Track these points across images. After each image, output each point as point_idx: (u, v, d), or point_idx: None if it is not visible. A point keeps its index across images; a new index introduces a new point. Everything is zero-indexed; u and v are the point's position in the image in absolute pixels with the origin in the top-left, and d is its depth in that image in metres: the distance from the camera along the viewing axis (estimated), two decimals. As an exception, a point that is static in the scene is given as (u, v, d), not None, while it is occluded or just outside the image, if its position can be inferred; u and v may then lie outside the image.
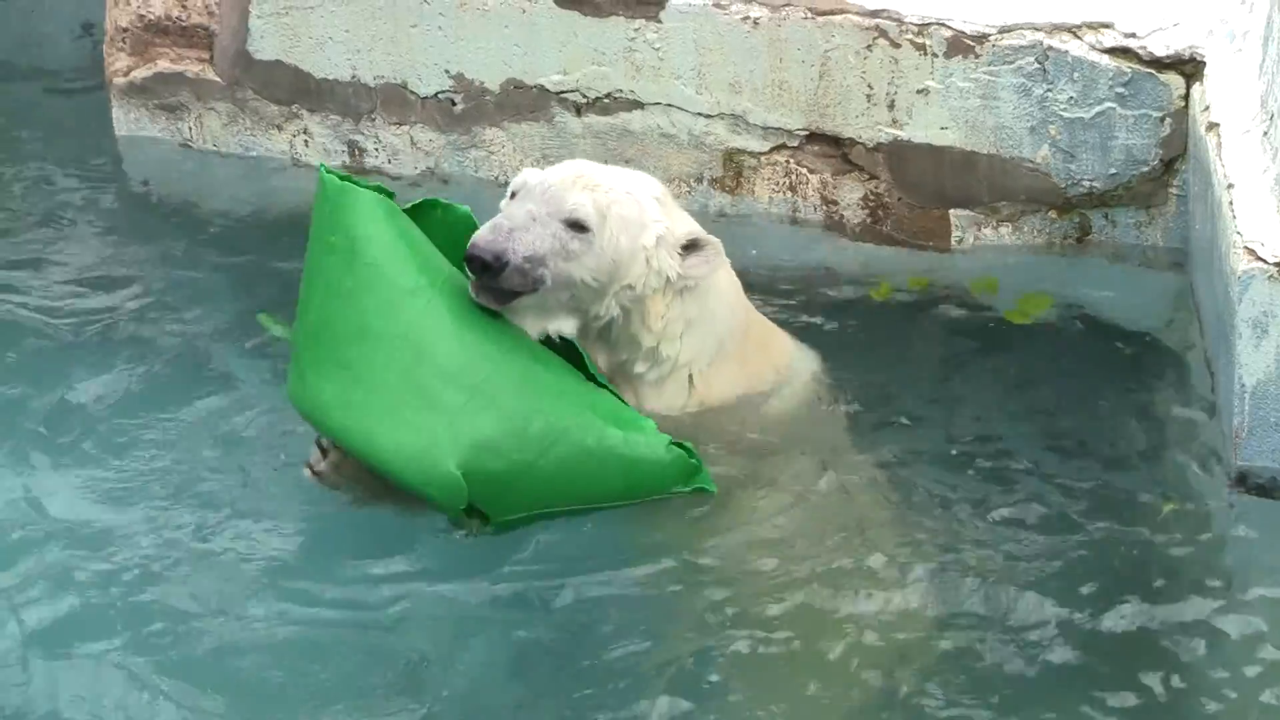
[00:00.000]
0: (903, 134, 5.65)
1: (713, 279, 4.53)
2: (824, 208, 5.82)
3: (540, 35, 5.93)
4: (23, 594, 4.22)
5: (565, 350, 4.42)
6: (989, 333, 5.30)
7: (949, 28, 5.53)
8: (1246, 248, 4.43)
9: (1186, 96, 5.32)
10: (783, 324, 4.95)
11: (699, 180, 5.90)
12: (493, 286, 4.27)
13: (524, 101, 6.02)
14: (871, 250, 5.71)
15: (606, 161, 5.06)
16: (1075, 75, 5.40)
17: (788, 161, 5.82)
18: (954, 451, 4.72)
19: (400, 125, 6.20)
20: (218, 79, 6.40)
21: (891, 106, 5.63)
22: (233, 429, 4.83)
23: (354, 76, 6.20)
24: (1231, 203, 4.58)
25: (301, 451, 4.50)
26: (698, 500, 4.38)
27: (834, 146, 5.76)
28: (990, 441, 4.77)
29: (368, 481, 4.31)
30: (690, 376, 4.54)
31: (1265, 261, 4.39)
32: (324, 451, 4.32)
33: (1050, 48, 5.42)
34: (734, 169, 5.88)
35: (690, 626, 4.15)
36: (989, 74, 5.49)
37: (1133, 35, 5.38)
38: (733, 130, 5.83)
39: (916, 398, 4.95)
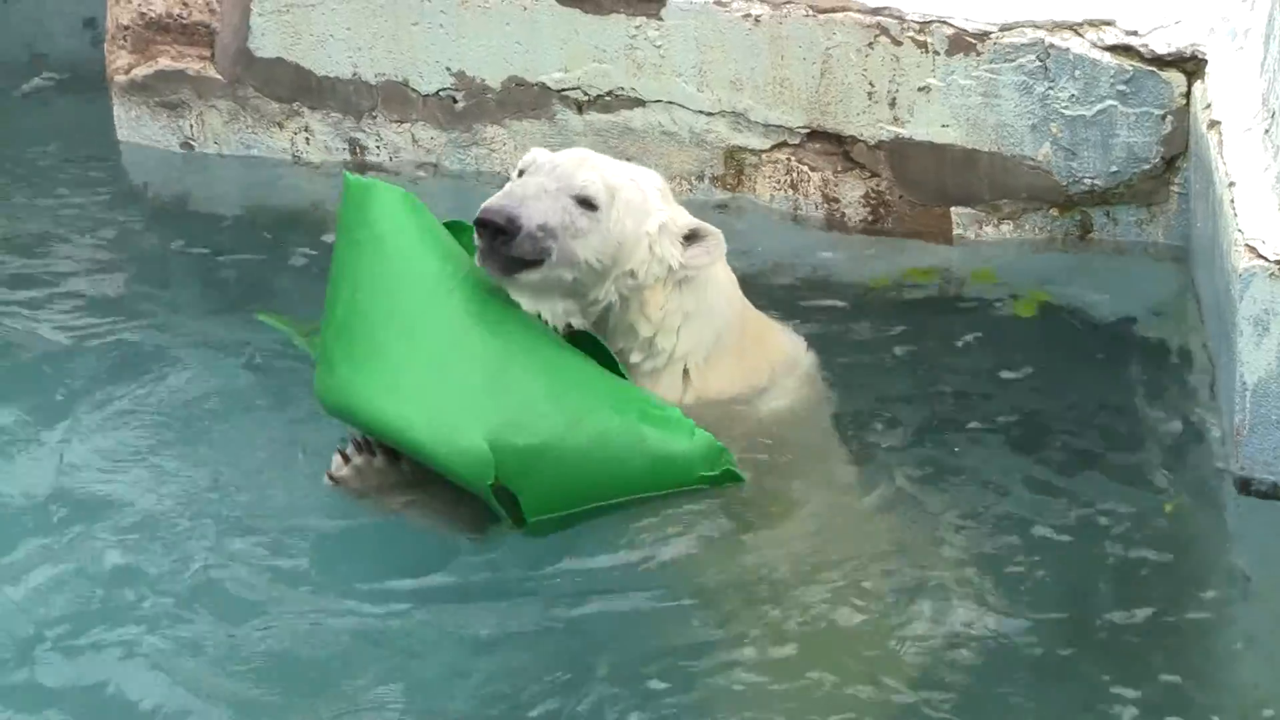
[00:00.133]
0: (904, 132, 5.65)
1: (710, 273, 4.54)
2: (825, 205, 5.82)
3: (541, 33, 5.93)
4: (32, 595, 4.21)
5: (590, 349, 4.44)
6: (989, 330, 5.29)
7: (950, 25, 5.53)
8: (1248, 245, 4.42)
9: (1188, 94, 5.32)
10: (783, 319, 4.95)
11: (700, 178, 5.90)
12: (501, 254, 4.27)
13: (525, 99, 6.03)
14: (873, 245, 5.71)
15: (608, 159, 5.07)
16: (1077, 73, 5.40)
17: (789, 159, 5.82)
18: (950, 450, 4.71)
19: (401, 123, 6.20)
20: (219, 77, 6.40)
21: (893, 104, 5.63)
22: (236, 429, 4.83)
23: (355, 74, 6.20)
24: (1233, 200, 4.58)
25: (314, 451, 4.51)
26: (703, 502, 4.36)
27: (835, 144, 5.76)
28: (989, 440, 4.76)
29: (389, 491, 4.30)
30: (687, 370, 4.54)
31: (1266, 259, 4.38)
32: (346, 458, 4.30)
33: (1052, 45, 5.42)
34: (735, 166, 5.88)
35: (698, 628, 4.14)
36: (990, 72, 5.49)
37: (1134, 33, 5.38)
38: (734, 128, 5.83)
39: (914, 397, 4.94)
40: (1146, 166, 5.45)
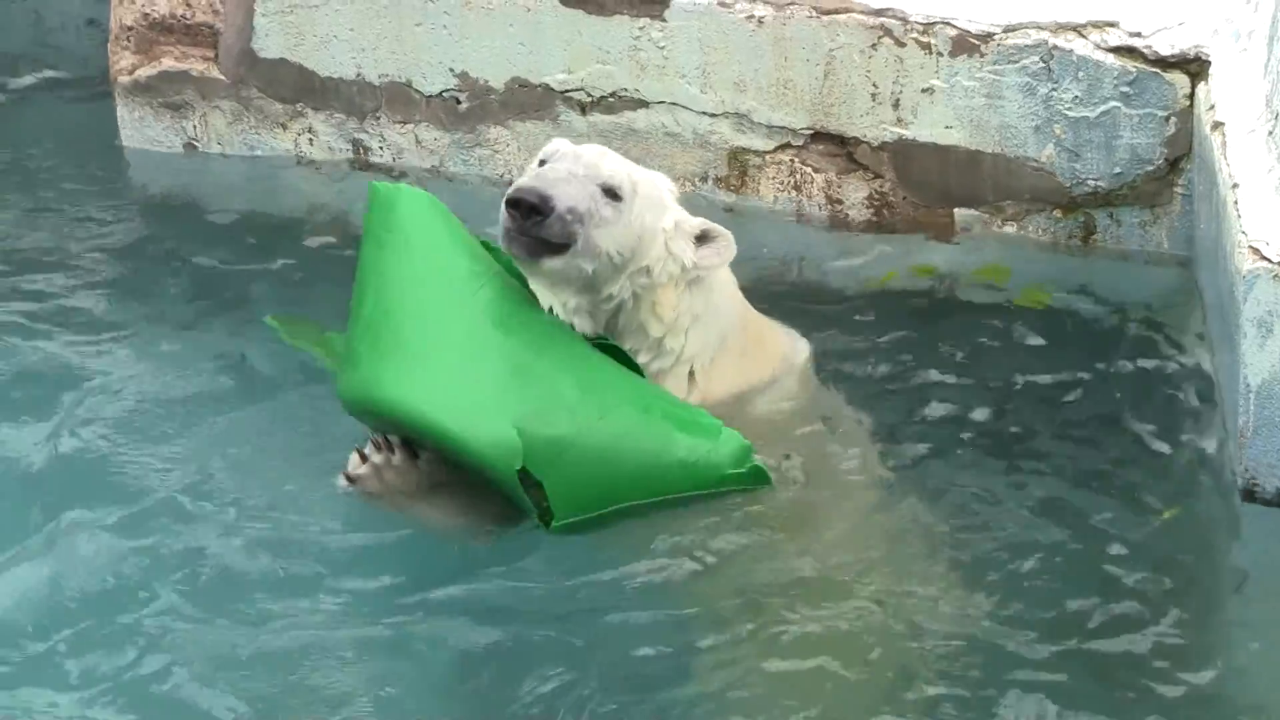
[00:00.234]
0: (907, 133, 5.65)
1: (716, 274, 4.56)
2: (829, 206, 5.82)
3: (545, 34, 5.93)
4: (32, 594, 4.21)
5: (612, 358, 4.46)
6: (990, 331, 5.29)
7: (954, 26, 5.53)
8: (1251, 247, 4.42)
9: (1191, 96, 5.31)
10: (786, 320, 4.95)
11: (704, 179, 5.90)
12: (529, 235, 4.29)
13: (529, 100, 6.03)
14: (876, 247, 5.70)
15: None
16: (1080, 74, 5.40)
17: (792, 160, 5.82)
18: (949, 453, 4.71)
19: (405, 124, 6.20)
20: (222, 77, 6.40)
21: (896, 105, 5.63)
22: (239, 430, 4.83)
23: (359, 75, 6.20)
24: (1236, 202, 4.58)
25: (318, 452, 4.52)
26: (711, 506, 4.36)
27: (839, 145, 5.76)
28: (989, 442, 4.76)
29: (405, 491, 4.30)
30: (692, 371, 4.55)
31: (1270, 261, 4.38)
32: (364, 457, 4.30)
33: (1055, 47, 5.42)
34: (739, 168, 5.88)
35: (704, 632, 4.14)
36: (994, 73, 5.49)
37: (1138, 34, 5.38)
38: (737, 129, 5.83)
39: (914, 398, 4.93)
40: (1150, 168, 5.45)
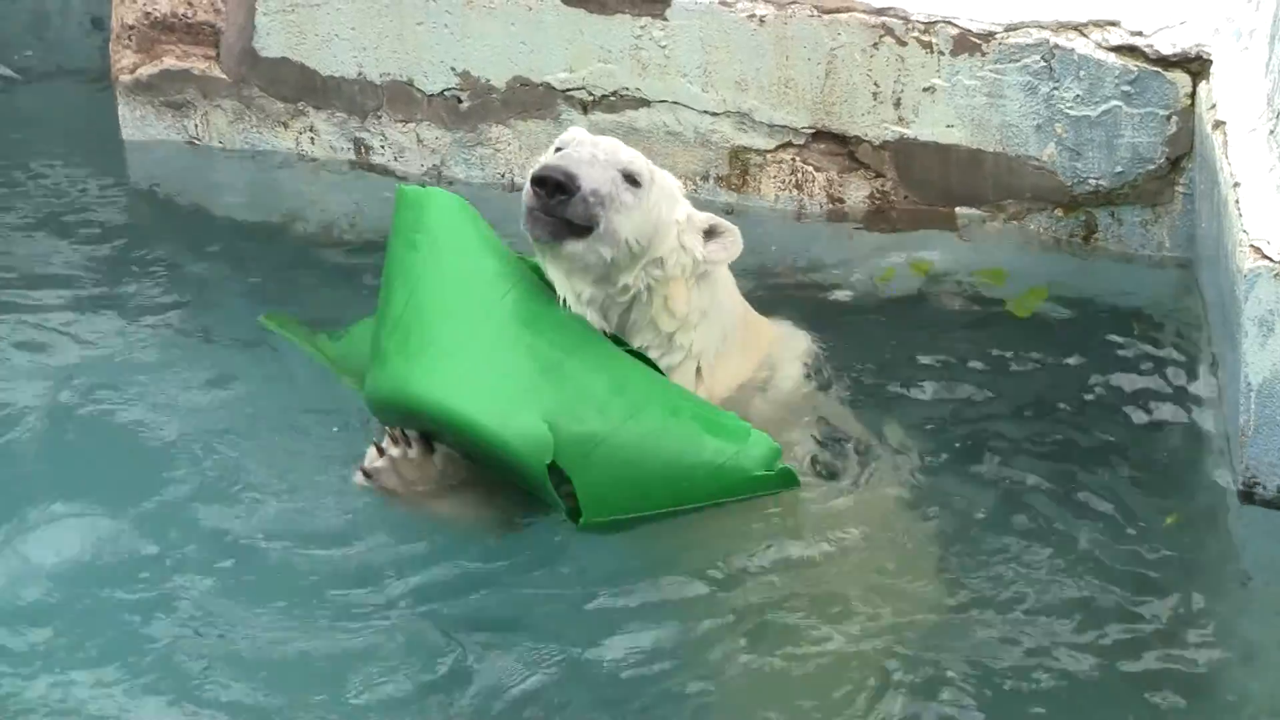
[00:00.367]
0: (909, 132, 5.65)
1: (719, 271, 4.58)
2: (830, 205, 5.82)
3: (546, 33, 5.93)
4: (53, 597, 4.21)
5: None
6: (991, 331, 5.29)
7: (955, 25, 5.53)
8: (1252, 246, 4.43)
9: (1193, 95, 5.31)
10: (788, 318, 4.95)
11: (705, 178, 5.90)
12: (553, 215, 4.30)
13: (530, 99, 6.03)
14: (877, 246, 5.71)
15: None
16: (1081, 73, 5.40)
17: (794, 159, 5.82)
18: (949, 454, 4.69)
19: (406, 123, 6.20)
20: (224, 76, 6.40)
21: (898, 104, 5.63)
22: (238, 430, 4.82)
23: (360, 74, 6.21)
24: (1237, 201, 4.58)
25: (319, 450, 4.53)
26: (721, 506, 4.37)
27: (840, 144, 5.76)
28: (989, 443, 4.75)
29: (421, 486, 4.30)
30: (698, 368, 4.56)
31: (1271, 259, 4.38)
32: (381, 451, 4.31)
33: (1056, 46, 5.42)
34: (740, 167, 5.88)
35: (713, 630, 4.14)
36: (995, 72, 5.49)
37: (1139, 33, 5.38)
38: (739, 128, 5.83)
39: (914, 399, 4.93)
40: (1151, 167, 5.45)
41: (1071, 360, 5.12)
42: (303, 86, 6.30)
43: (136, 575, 4.29)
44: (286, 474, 4.62)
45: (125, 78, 6.52)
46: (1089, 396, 4.95)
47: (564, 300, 4.39)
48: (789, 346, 4.81)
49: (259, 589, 4.24)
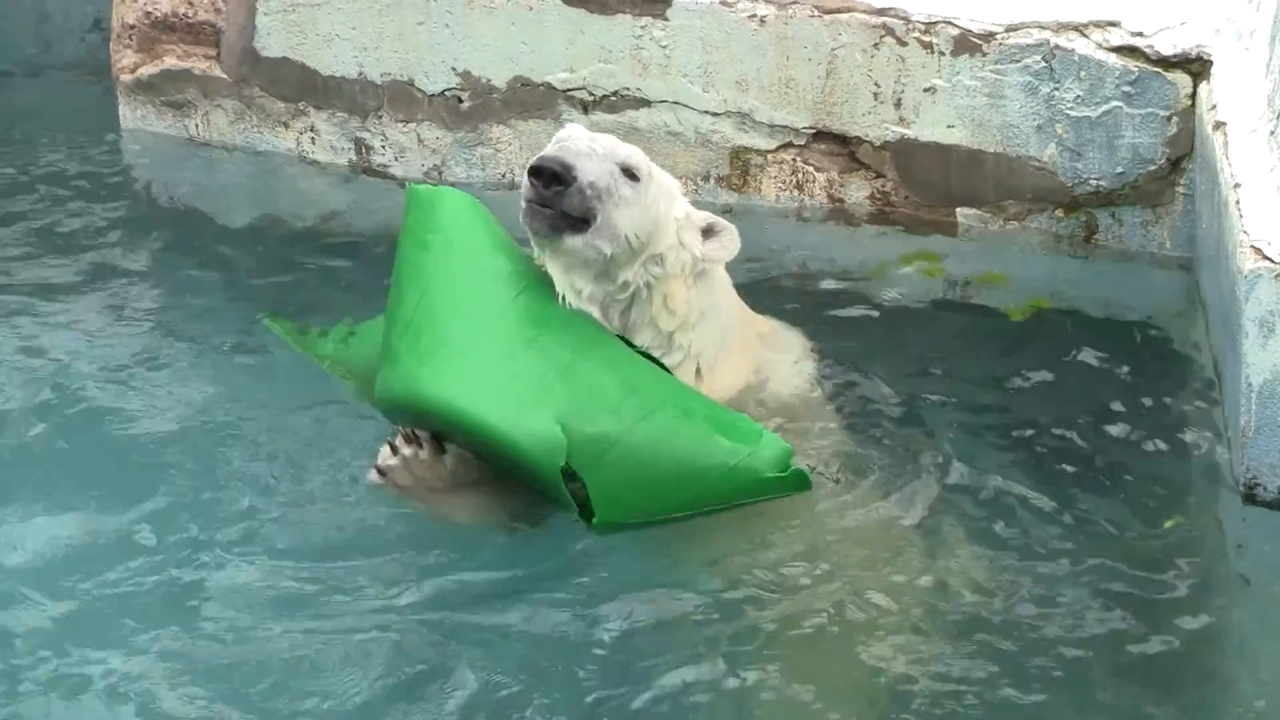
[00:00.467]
0: (909, 132, 5.65)
1: (716, 271, 4.58)
2: (830, 206, 5.83)
3: (547, 33, 5.94)
4: (57, 598, 4.21)
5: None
6: (991, 331, 5.30)
7: (956, 26, 5.53)
8: (1253, 247, 4.42)
9: (1193, 95, 5.32)
10: (787, 319, 4.95)
11: (706, 178, 5.90)
12: (552, 207, 4.30)
13: (531, 99, 6.03)
14: (878, 246, 5.71)
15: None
16: (1082, 74, 5.41)
17: (795, 159, 5.82)
18: (949, 455, 4.68)
19: (407, 123, 6.21)
20: (224, 76, 6.40)
21: (898, 105, 5.63)
22: (237, 429, 4.82)
23: (361, 74, 6.21)
24: (1238, 202, 4.58)
25: (319, 448, 4.53)
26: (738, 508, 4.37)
27: (841, 145, 5.77)
28: (988, 444, 4.75)
29: (433, 485, 4.31)
30: (698, 369, 4.56)
31: (1271, 260, 4.38)
32: (394, 449, 4.31)
33: (1057, 46, 5.42)
34: (741, 167, 5.88)
35: (723, 633, 4.13)
36: (995, 72, 5.50)
37: (1140, 34, 5.38)
38: (740, 128, 5.83)
39: (914, 400, 4.91)
40: (1152, 168, 5.45)
41: (1071, 361, 5.12)
42: (303, 86, 6.30)
43: (136, 575, 4.28)
44: (287, 474, 4.61)
45: (126, 77, 6.53)
46: (1088, 398, 4.94)
47: (563, 298, 4.39)
48: (786, 347, 4.81)
49: (261, 589, 4.23)
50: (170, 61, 6.45)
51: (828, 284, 5.56)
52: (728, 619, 4.14)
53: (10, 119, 6.87)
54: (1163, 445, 4.73)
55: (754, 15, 5.70)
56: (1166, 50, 5.34)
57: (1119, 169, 5.47)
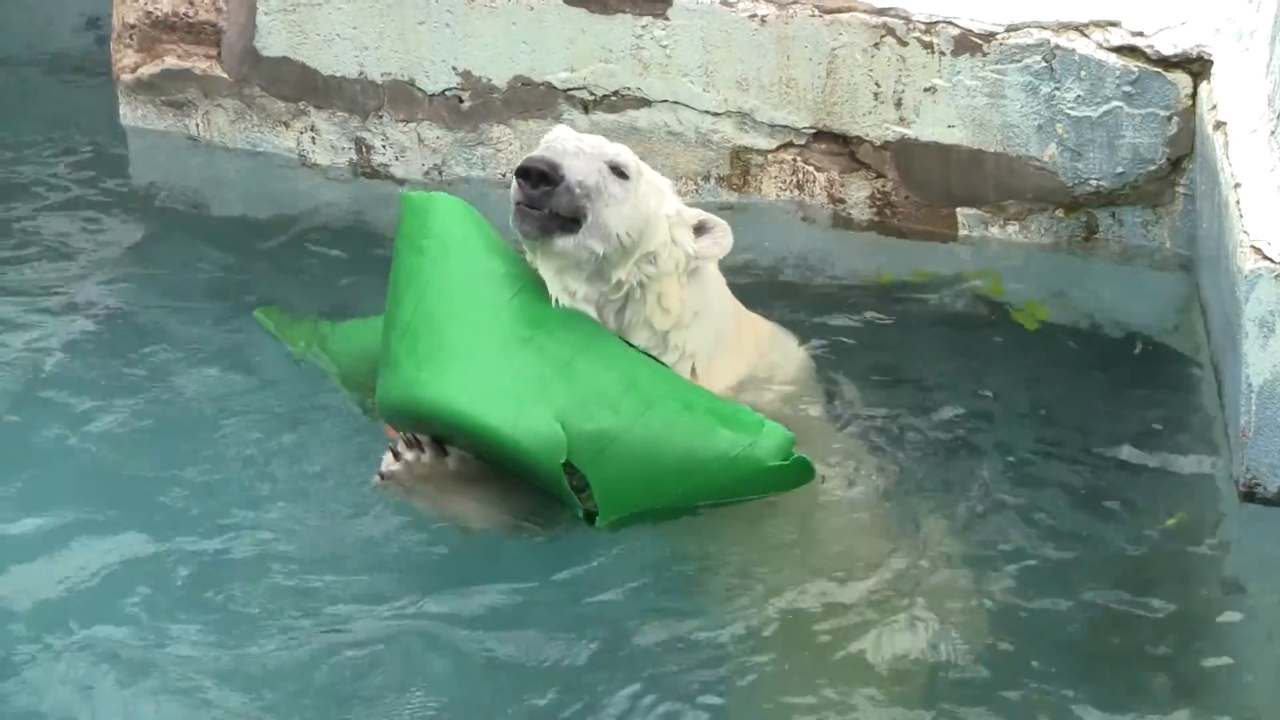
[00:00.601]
0: (910, 132, 5.65)
1: (709, 270, 4.58)
2: (831, 206, 5.83)
3: (547, 32, 5.94)
4: (49, 606, 4.20)
5: None
6: (990, 332, 5.30)
7: (956, 26, 5.53)
8: (1253, 247, 4.43)
9: (1194, 95, 5.32)
10: (787, 319, 4.95)
11: (706, 178, 5.90)
12: (541, 208, 4.29)
13: (531, 99, 6.03)
14: (878, 246, 5.71)
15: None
16: (1082, 74, 5.41)
17: (795, 159, 5.82)
18: (949, 455, 4.69)
19: (408, 123, 6.21)
20: (225, 76, 6.40)
21: (899, 105, 5.64)
22: (236, 429, 4.83)
23: (361, 73, 6.21)
24: (1238, 202, 4.59)
25: (320, 452, 4.53)
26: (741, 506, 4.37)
27: (841, 144, 5.77)
28: (988, 445, 4.75)
29: (437, 489, 4.32)
30: (694, 369, 4.56)
31: (1272, 260, 4.39)
32: (396, 455, 4.32)
33: (1057, 46, 5.42)
34: (741, 167, 5.88)
35: (717, 630, 4.14)
36: (996, 72, 5.50)
37: (1140, 34, 5.38)
38: (740, 128, 5.83)
39: (914, 401, 4.92)
40: (1152, 168, 5.45)
41: (1071, 361, 5.13)
42: (304, 86, 6.30)
43: (136, 575, 4.29)
44: (288, 473, 4.62)
45: (126, 77, 6.53)
46: (1088, 397, 4.95)
47: (556, 300, 4.39)
48: (783, 347, 4.81)
49: (264, 588, 4.24)
50: (171, 61, 6.45)
51: (827, 284, 5.56)
52: (737, 620, 4.15)
53: (10, 119, 6.86)
54: (1163, 445, 4.74)
55: (754, 15, 5.70)
56: (1167, 50, 5.34)
57: (1119, 169, 5.47)
